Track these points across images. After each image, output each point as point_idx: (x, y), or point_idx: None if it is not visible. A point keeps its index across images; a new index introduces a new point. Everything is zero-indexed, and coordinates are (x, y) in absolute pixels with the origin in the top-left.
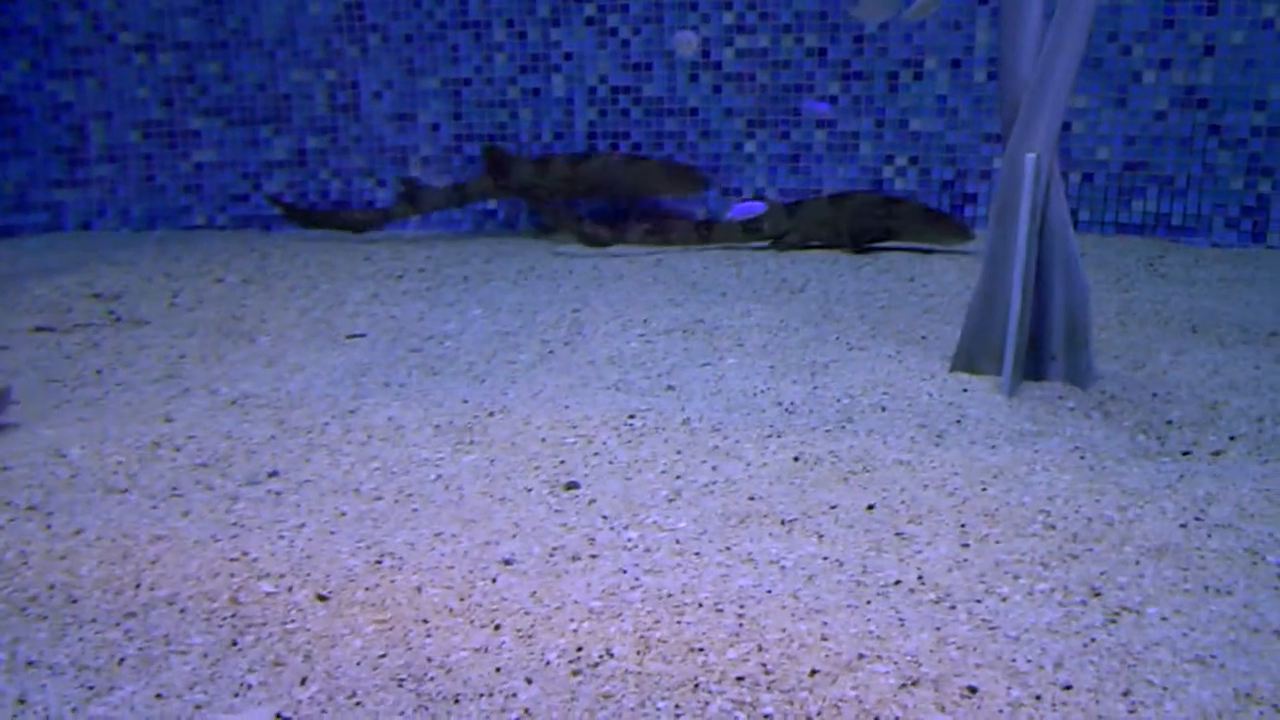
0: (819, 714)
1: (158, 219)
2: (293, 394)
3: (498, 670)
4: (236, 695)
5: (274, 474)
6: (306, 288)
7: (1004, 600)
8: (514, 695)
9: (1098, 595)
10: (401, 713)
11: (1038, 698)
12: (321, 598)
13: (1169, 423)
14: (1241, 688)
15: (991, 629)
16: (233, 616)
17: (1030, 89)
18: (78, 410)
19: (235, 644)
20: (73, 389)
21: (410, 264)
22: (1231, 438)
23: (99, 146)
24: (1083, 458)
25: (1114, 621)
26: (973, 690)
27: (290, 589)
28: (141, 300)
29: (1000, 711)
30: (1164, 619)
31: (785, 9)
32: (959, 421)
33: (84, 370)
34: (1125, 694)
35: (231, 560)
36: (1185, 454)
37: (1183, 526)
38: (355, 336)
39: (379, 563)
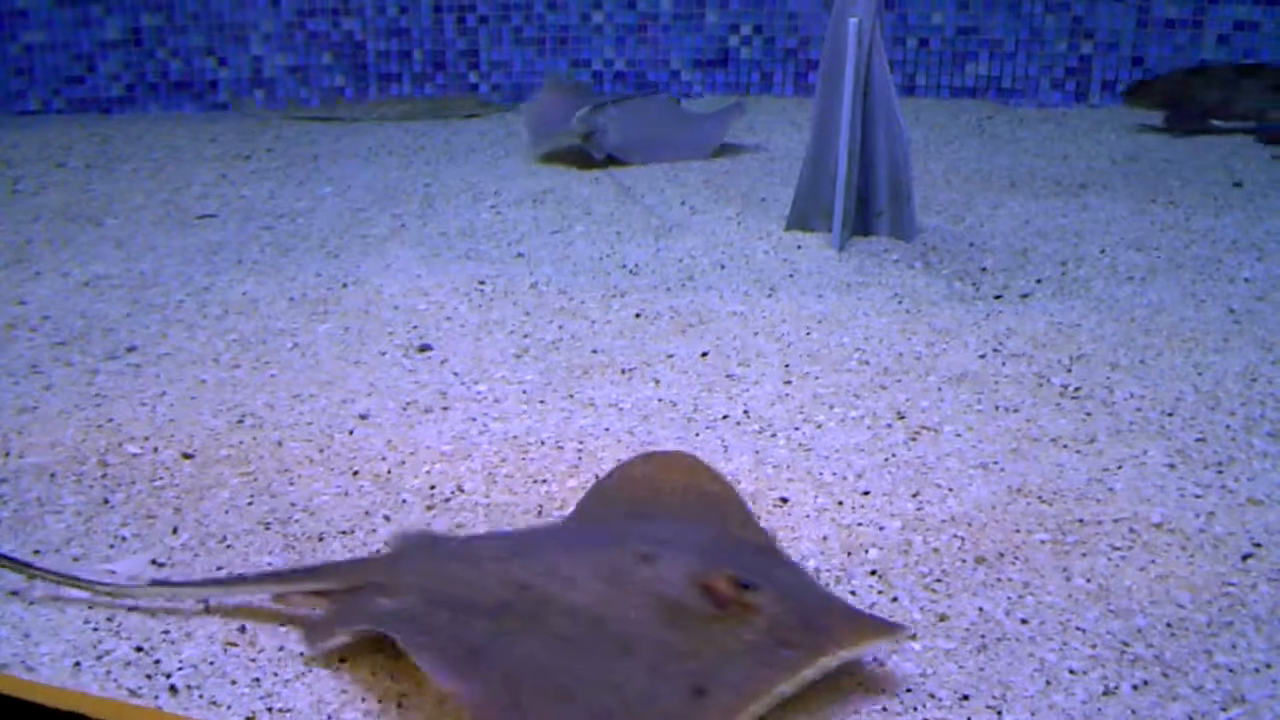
0: None
1: None
2: (145, 274)
3: (358, 510)
4: (112, 547)
5: (132, 349)
6: (151, 170)
7: (819, 427)
8: (374, 531)
9: (902, 418)
10: (270, 552)
11: (840, 503)
12: (187, 456)
13: (983, 270)
14: (1014, 484)
15: (805, 451)
16: (102, 477)
17: None
18: None
19: (107, 501)
20: None
21: (258, 145)
22: (1038, 280)
23: None
24: (901, 303)
25: (914, 439)
26: (784, 500)
27: (156, 449)
28: None
29: (807, 516)
30: (958, 435)
31: None
32: (791, 276)
33: None
34: (915, 495)
35: (97, 427)
36: (997, 297)
37: (981, 357)
38: (205, 217)
39: (240, 422)
